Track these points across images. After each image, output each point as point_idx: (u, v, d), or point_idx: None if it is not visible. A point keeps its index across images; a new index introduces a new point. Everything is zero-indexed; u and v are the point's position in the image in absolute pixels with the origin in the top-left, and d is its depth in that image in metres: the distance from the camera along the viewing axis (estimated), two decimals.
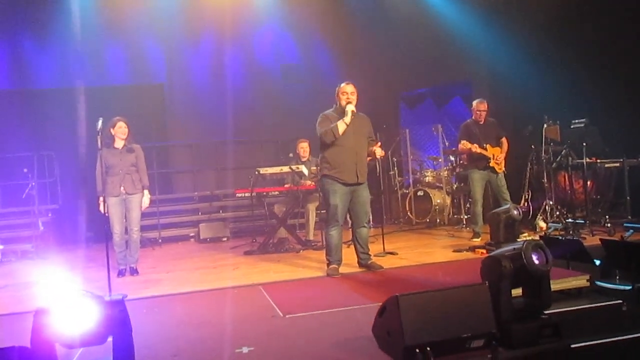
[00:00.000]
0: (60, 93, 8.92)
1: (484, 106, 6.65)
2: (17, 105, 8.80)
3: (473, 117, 6.72)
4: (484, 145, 6.50)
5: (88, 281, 5.39)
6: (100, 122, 4.80)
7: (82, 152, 8.71)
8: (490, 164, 6.53)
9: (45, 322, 2.36)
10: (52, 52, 8.82)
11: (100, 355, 2.77)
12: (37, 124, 8.60)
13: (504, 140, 6.70)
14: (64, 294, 2.49)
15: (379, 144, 5.27)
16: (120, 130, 5.55)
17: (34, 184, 8.07)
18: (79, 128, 8.81)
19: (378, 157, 5.26)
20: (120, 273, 5.61)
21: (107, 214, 5.47)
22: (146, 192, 5.73)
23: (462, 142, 6.54)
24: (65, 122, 8.81)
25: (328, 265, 5.11)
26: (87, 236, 8.39)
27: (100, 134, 4.81)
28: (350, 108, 4.95)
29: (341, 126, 4.96)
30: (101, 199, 5.49)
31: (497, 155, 6.56)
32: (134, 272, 5.67)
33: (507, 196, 6.58)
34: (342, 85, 5.12)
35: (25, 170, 8.02)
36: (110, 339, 2.56)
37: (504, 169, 6.62)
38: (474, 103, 6.73)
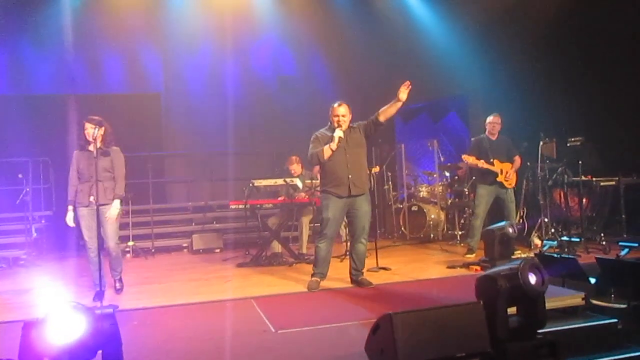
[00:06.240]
0: (57, 99, 8.92)
1: (498, 119, 6.66)
2: (14, 110, 8.79)
3: (486, 132, 6.72)
4: (492, 160, 6.51)
5: (80, 291, 5.34)
6: None
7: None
8: (498, 179, 6.53)
9: (33, 336, 2.31)
10: (50, 59, 8.82)
11: None
12: (34, 130, 8.52)
13: (517, 158, 6.69)
14: (54, 306, 2.44)
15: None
16: (86, 132, 4.90)
17: (28, 189, 7.98)
18: (75, 135, 8.77)
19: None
20: (97, 296, 4.71)
21: (75, 226, 4.92)
22: (116, 202, 4.91)
23: (464, 155, 6.53)
24: (62, 128, 8.75)
25: (312, 276, 5.08)
26: (80, 244, 8.31)
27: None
28: (338, 134, 4.90)
29: (327, 152, 4.94)
30: (69, 207, 4.93)
31: (505, 171, 6.54)
32: (118, 291, 5.14)
33: (513, 214, 6.57)
34: (335, 106, 5.05)
35: (20, 175, 7.95)
36: (99, 352, 2.51)
37: (514, 185, 6.63)
38: (489, 117, 6.72)
